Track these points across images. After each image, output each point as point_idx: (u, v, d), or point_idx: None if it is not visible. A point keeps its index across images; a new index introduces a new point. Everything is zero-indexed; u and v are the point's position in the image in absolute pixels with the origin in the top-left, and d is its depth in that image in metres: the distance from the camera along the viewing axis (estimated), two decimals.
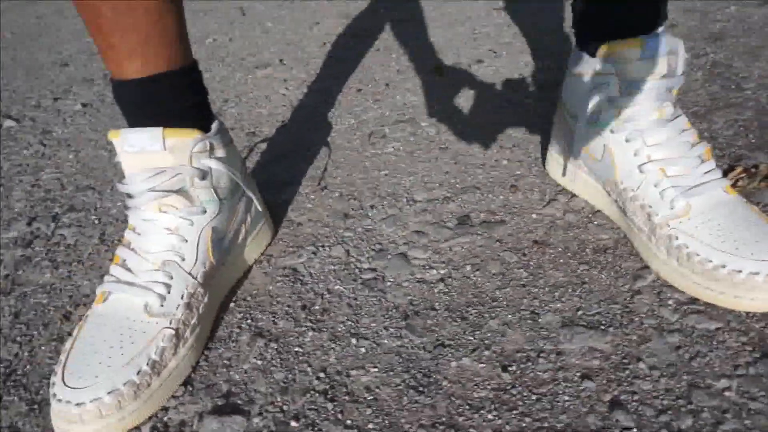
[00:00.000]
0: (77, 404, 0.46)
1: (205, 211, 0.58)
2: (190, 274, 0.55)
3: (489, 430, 0.46)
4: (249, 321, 0.60)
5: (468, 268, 0.64)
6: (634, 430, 0.45)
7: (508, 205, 0.74)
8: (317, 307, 0.61)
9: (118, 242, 0.71)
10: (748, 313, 0.54)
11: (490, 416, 0.47)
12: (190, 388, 0.53)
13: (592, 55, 0.62)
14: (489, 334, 0.55)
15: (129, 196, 0.56)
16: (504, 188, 0.77)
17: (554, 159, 0.76)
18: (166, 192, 0.55)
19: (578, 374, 0.50)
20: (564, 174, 0.73)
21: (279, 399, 0.51)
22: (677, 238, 0.58)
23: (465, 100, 1.03)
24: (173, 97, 0.56)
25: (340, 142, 0.94)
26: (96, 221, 0.79)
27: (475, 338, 0.55)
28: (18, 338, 0.60)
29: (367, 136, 0.94)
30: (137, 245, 0.56)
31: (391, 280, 0.63)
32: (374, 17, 1.50)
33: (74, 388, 0.46)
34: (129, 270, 0.55)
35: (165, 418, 0.50)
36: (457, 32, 1.34)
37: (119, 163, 0.55)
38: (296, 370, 0.54)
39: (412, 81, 1.12)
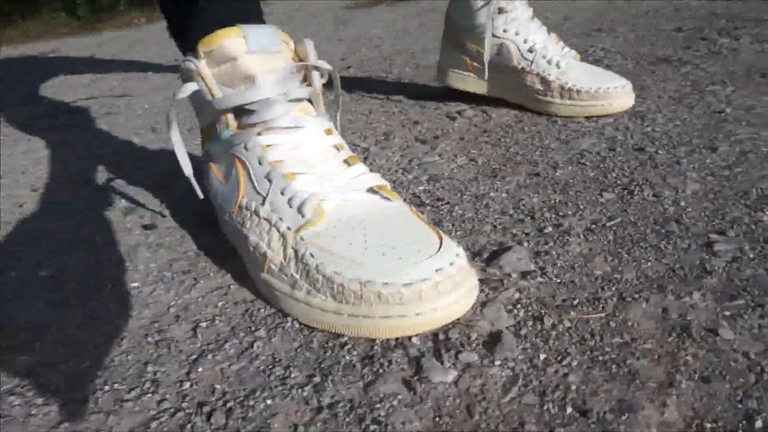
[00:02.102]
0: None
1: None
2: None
3: None
4: None
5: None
6: None
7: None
8: None
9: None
10: None
11: None
12: None
13: None
14: None
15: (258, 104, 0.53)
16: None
17: (452, 71, 1.03)
18: (301, 98, 0.55)
19: None
20: (486, 78, 1.00)
21: None
22: (567, 83, 0.90)
23: None
24: None
25: None
26: None
27: None
28: None
29: None
30: (304, 154, 0.53)
31: None
32: None
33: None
34: (325, 176, 0.52)
35: None
36: None
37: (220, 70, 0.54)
38: None
39: None
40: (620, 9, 1.82)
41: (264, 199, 0.52)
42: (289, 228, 0.49)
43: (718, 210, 0.61)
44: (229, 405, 0.41)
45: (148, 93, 1.41)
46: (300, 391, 0.41)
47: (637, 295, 0.49)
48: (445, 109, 1.05)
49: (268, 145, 0.53)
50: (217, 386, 0.43)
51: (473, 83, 1.02)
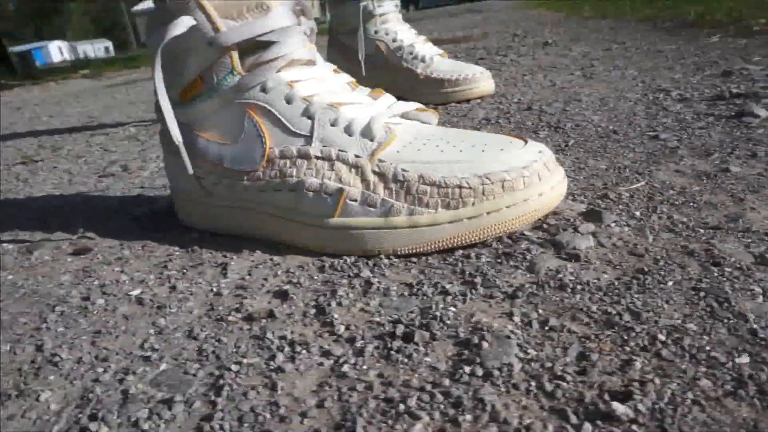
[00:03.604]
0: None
1: None
2: None
3: None
4: None
5: None
6: None
7: None
8: None
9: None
10: None
11: None
12: None
13: None
14: None
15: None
16: None
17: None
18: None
19: None
20: (364, 74, 1.01)
21: None
22: (432, 74, 0.97)
23: None
24: None
25: None
26: None
27: None
28: None
29: None
30: (333, 87, 0.48)
31: None
32: None
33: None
34: (365, 105, 0.47)
35: None
36: None
37: None
38: None
39: None
40: None
41: (309, 138, 0.44)
42: (357, 156, 0.42)
43: None
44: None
45: None
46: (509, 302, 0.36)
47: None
48: None
49: (294, 81, 0.45)
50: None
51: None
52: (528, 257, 0.39)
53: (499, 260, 0.40)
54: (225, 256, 0.47)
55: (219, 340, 0.34)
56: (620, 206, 0.46)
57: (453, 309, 0.34)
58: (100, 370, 0.33)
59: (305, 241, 0.45)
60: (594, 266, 0.37)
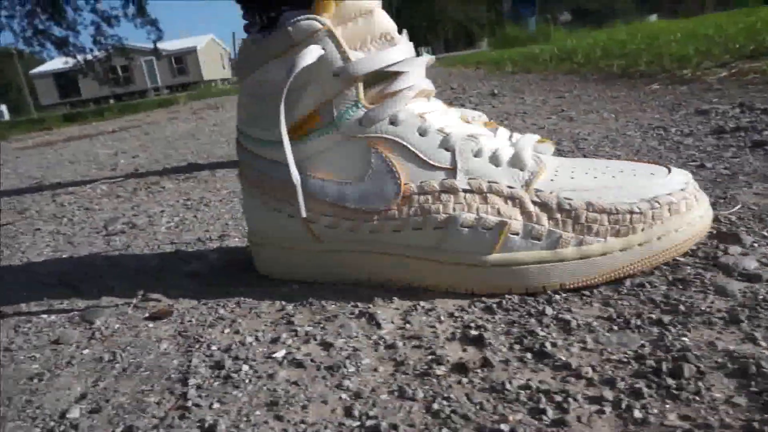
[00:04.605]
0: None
1: None
2: None
3: None
4: None
5: None
6: None
7: None
8: None
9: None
10: None
11: None
12: None
13: None
14: None
15: None
16: None
17: None
18: None
19: None
20: None
21: None
22: None
23: None
24: None
25: None
26: None
27: None
28: None
29: None
30: (457, 118, 0.45)
31: None
32: None
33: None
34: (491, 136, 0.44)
35: None
36: None
37: None
38: None
39: None
40: None
41: (450, 171, 0.40)
42: (510, 187, 0.39)
43: None
44: None
45: None
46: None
47: None
48: None
49: (423, 113, 0.42)
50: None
51: None
52: (705, 281, 0.38)
53: (679, 286, 0.38)
54: (356, 306, 0.41)
55: (447, 397, 0.29)
56: (743, 228, 0.46)
57: (685, 338, 0.31)
58: None
59: (453, 281, 0.41)
60: None
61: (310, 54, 0.39)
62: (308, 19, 0.39)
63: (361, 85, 0.41)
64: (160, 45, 11.81)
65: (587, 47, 3.19)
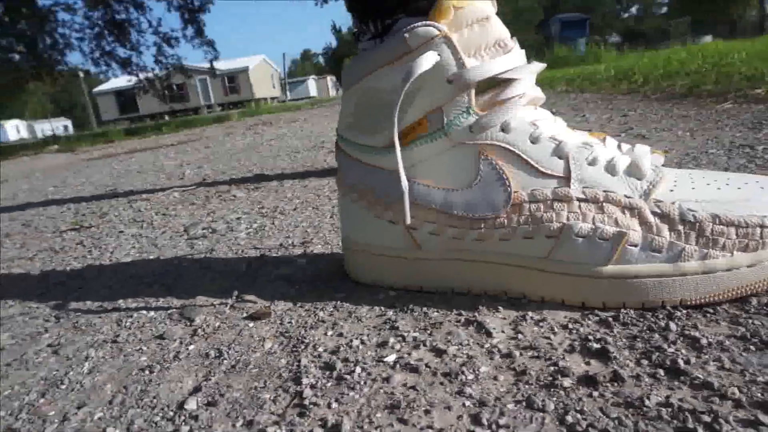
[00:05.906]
0: None
1: None
2: None
3: None
4: None
5: None
6: None
7: None
8: None
9: None
10: None
11: None
12: None
13: None
14: None
15: None
16: None
17: None
18: None
19: None
20: None
21: None
22: None
23: None
24: None
25: None
26: None
27: None
28: None
29: None
30: (564, 127, 0.44)
31: None
32: None
33: None
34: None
35: None
36: None
37: None
38: None
39: None
40: None
41: (564, 179, 0.39)
42: (628, 197, 0.38)
43: None
44: None
45: None
46: None
47: None
48: None
49: (534, 120, 0.41)
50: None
51: None
52: None
53: None
54: (460, 314, 0.40)
55: (580, 410, 0.28)
56: None
57: None
58: None
59: (563, 292, 0.39)
60: None
61: (427, 60, 0.39)
62: (426, 25, 0.39)
63: (473, 92, 0.41)
64: (215, 65, 12.24)
65: (645, 67, 3.12)
